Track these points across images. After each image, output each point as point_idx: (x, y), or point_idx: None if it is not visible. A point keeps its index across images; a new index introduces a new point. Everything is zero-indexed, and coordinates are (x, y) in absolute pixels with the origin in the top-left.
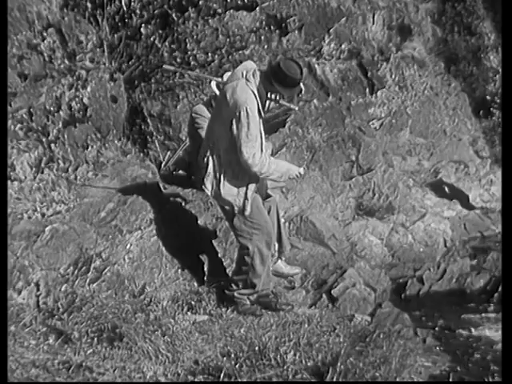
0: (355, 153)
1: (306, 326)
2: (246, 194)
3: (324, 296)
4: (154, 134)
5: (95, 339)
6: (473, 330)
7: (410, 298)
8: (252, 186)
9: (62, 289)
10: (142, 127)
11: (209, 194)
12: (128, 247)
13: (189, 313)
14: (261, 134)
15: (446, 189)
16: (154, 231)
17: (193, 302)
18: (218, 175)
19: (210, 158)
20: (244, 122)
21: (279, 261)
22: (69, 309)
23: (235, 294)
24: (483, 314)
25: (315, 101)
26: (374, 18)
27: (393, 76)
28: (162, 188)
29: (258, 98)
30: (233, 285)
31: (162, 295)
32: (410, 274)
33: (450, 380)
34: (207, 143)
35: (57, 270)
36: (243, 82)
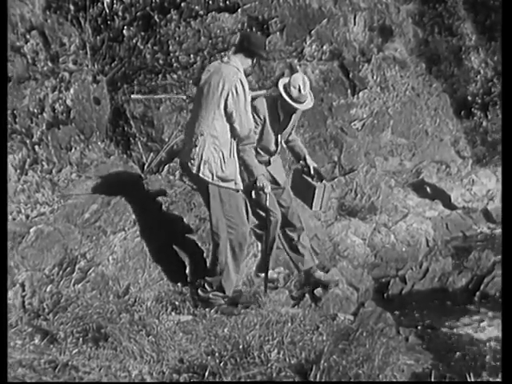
0: (337, 153)
1: (290, 324)
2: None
3: (307, 296)
4: (137, 135)
5: (80, 339)
6: (455, 328)
7: (392, 297)
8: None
9: (47, 289)
10: (125, 129)
11: (210, 180)
12: (112, 248)
13: (173, 313)
14: None
15: (428, 189)
16: (138, 232)
17: (177, 303)
18: (216, 159)
19: (204, 146)
20: (241, 94)
21: None
22: (54, 309)
23: (210, 295)
24: (465, 313)
25: None
26: (355, 19)
27: (374, 77)
28: (146, 188)
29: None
30: (206, 286)
31: (146, 295)
32: (393, 274)
33: (432, 378)
34: (194, 134)
35: (42, 271)
36: (223, 64)
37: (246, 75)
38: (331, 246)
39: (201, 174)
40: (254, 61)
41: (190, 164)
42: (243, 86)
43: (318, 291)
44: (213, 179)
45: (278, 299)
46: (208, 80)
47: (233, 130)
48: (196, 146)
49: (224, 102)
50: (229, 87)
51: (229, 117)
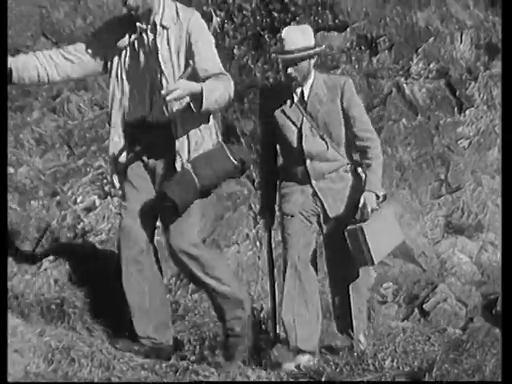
0: (444, 171)
1: (402, 335)
2: None
3: (416, 310)
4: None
5: (197, 346)
6: None
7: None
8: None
9: None
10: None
11: None
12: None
13: None
14: None
15: None
16: (251, 246)
17: None
18: None
19: None
20: None
21: None
22: (172, 317)
23: None
24: None
25: (404, 120)
26: (461, 37)
27: (481, 95)
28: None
29: None
30: None
31: (259, 307)
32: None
33: None
34: None
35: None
36: None
37: None
38: (438, 263)
39: None
40: None
41: None
42: None
43: (427, 306)
44: None
45: (387, 313)
46: None
47: None
48: None
49: None
50: None
51: None
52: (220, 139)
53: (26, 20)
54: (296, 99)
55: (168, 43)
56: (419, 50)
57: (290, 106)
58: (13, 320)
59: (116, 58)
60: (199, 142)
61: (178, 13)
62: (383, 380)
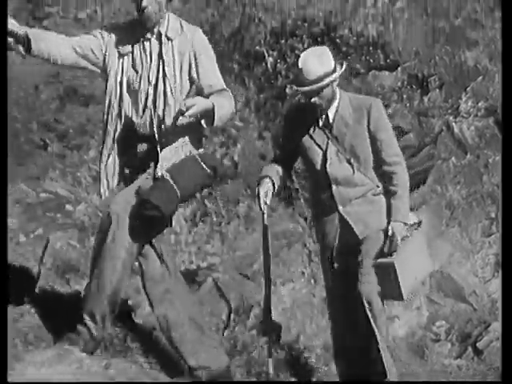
0: (494, 210)
1: (459, 370)
2: None
3: (469, 348)
4: (299, 190)
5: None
6: None
7: None
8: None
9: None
10: (287, 184)
11: None
12: (281, 298)
13: None
14: None
15: None
16: (305, 283)
17: None
18: None
19: None
20: None
21: None
22: (231, 352)
23: None
24: None
25: (453, 159)
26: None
27: None
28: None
29: None
30: None
31: (315, 343)
32: None
33: None
34: None
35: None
36: None
37: None
38: (489, 302)
39: None
40: None
41: None
42: None
43: (481, 344)
44: None
45: (440, 351)
46: None
47: None
48: None
49: None
50: None
51: None
52: (193, 151)
53: None
54: (321, 122)
55: (172, 54)
56: (468, 89)
57: (314, 129)
58: (78, 353)
59: (116, 63)
60: (175, 154)
61: (181, 26)
62: None
